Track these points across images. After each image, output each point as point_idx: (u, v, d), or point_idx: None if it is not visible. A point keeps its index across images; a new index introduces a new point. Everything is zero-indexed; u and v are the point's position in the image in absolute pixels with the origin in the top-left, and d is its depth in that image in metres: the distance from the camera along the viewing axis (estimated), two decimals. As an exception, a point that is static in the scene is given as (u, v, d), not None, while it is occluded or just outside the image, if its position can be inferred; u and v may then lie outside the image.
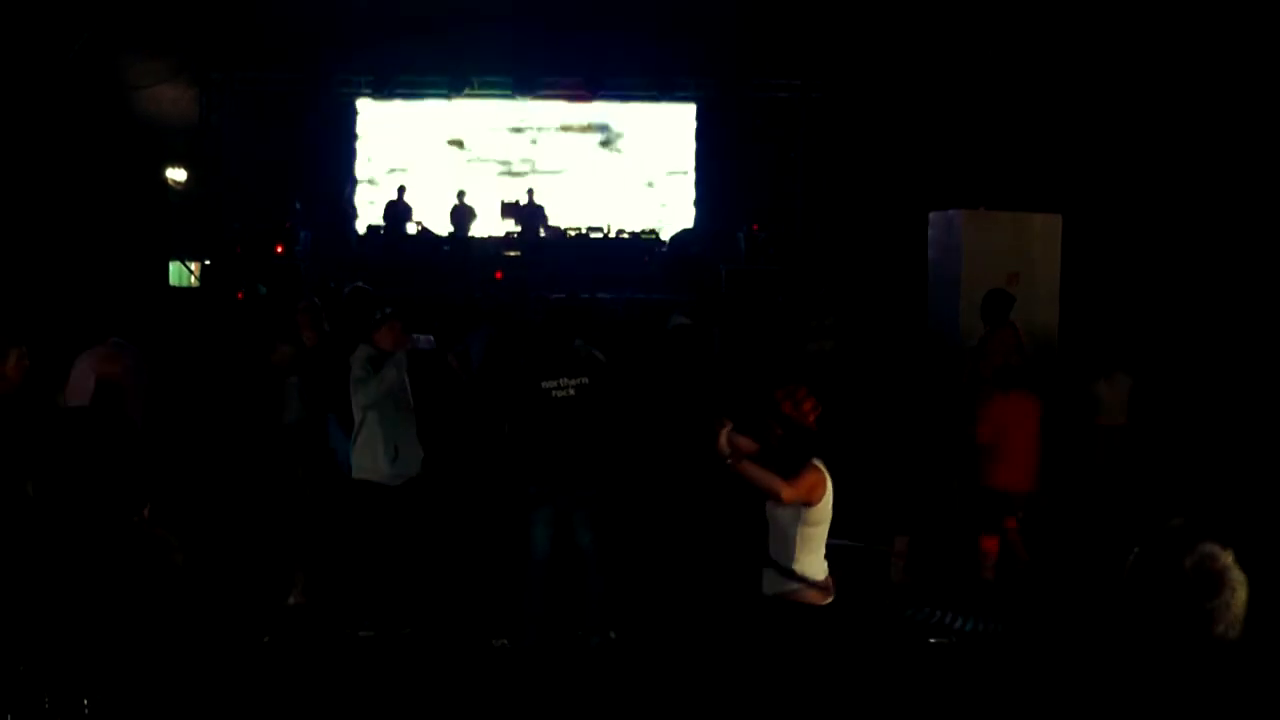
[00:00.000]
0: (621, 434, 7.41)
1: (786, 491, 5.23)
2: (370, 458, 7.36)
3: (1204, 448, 10.21)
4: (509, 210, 19.94)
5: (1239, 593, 2.44)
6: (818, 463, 5.38)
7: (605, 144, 21.33)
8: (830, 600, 5.46)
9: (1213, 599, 2.40)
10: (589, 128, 21.30)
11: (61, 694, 2.06)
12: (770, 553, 5.45)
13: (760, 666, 5.48)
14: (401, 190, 19.79)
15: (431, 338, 7.77)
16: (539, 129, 21.26)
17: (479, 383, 9.19)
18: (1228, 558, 2.47)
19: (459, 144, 21.21)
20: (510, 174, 21.07)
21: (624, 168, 21.31)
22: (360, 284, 10.96)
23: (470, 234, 19.61)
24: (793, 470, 5.28)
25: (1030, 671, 6.08)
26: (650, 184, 21.35)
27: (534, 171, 21.01)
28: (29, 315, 10.94)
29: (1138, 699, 2.42)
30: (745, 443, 5.45)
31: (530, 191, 19.79)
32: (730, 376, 9.06)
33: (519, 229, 19.60)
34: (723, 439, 5.34)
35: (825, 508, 5.38)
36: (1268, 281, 12.02)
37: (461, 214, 19.74)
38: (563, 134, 21.28)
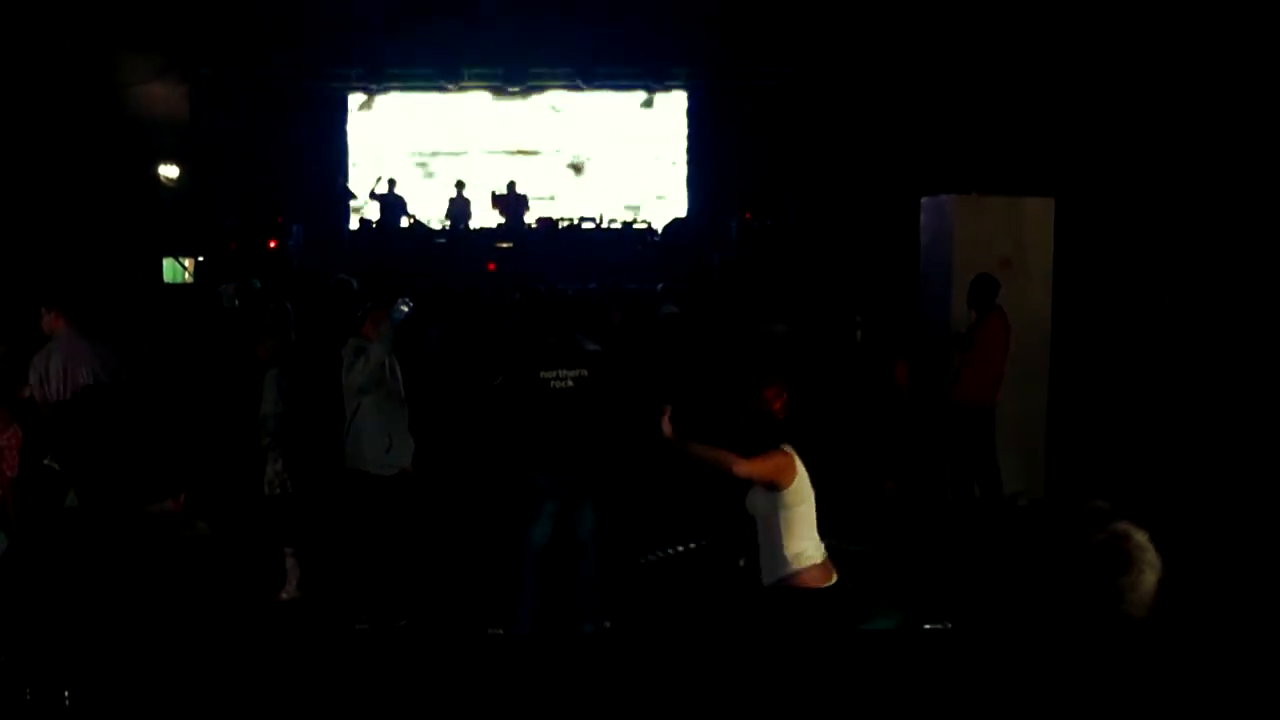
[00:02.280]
0: (621, 424, 7.41)
1: (739, 465, 5.26)
2: (364, 448, 7.38)
3: (1193, 431, 10.21)
4: (498, 201, 19.96)
5: (1148, 574, 2.44)
6: (786, 447, 5.40)
7: (596, 134, 21.33)
8: (833, 582, 5.47)
9: (1122, 576, 2.40)
10: (579, 117, 21.32)
11: (43, 686, 2.06)
12: (760, 545, 5.46)
13: (764, 655, 5.47)
14: (392, 184, 19.78)
15: (410, 302, 7.78)
16: (530, 117, 21.27)
17: (437, 375, 9.24)
18: (1141, 537, 2.47)
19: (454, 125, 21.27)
20: (502, 164, 21.08)
21: (615, 157, 21.31)
22: (343, 276, 10.98)
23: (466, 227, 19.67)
24: (756, 453, 5.30)
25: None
26: (642, 173, 21.36)
27: (526, 162, 21.02)
28: (22, 314, 10.94)
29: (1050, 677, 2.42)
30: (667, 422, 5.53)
31: (512, 184, 19.80)
32: (717, 364, 9.06)
33: (504, 220, 19.63)
34: (665, 423, 5.39)
35: (800, 489, 5.38)
36: (1263, 259, 12.01)
37: (460, 206, 19.77)
38: (553, 124, 21.29)
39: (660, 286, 11.24)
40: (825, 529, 5.62)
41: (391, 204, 19.72)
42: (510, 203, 19.64)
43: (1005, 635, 2.56)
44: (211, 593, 2.46)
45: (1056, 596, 2.45)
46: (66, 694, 2.03)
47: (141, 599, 2.31)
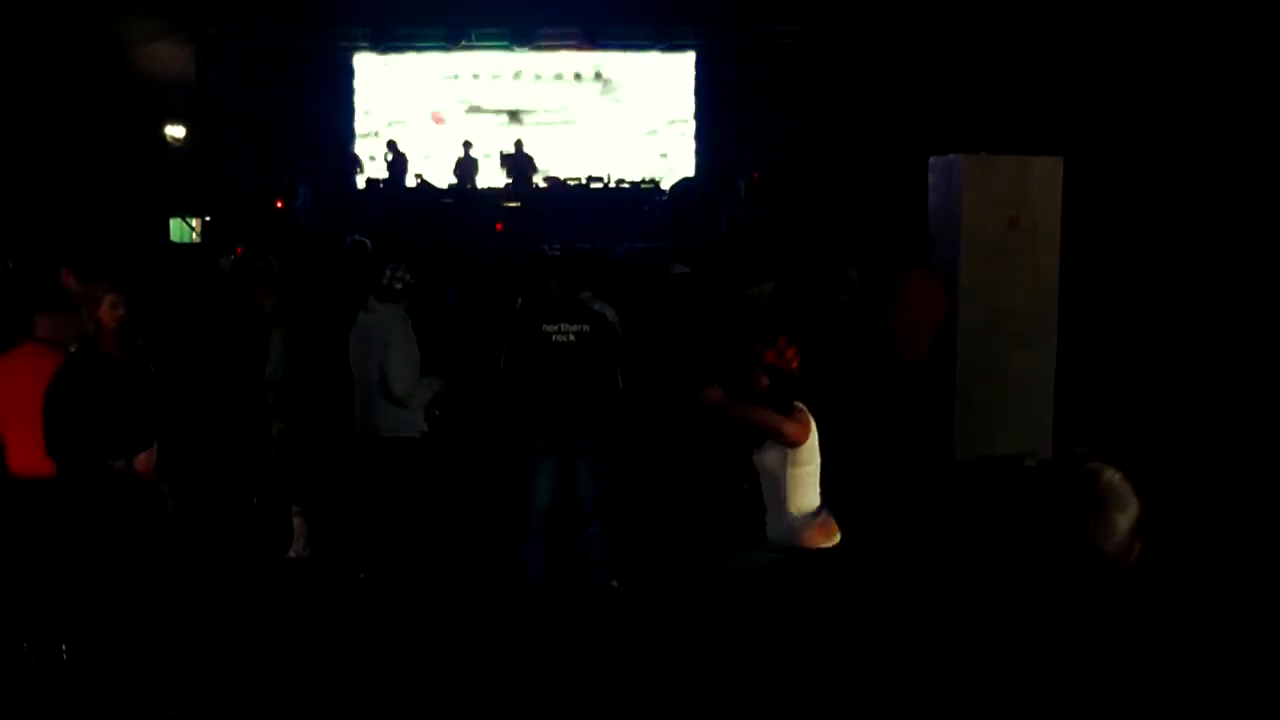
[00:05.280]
0: (622, 382, 7.40)
1: (789, 427, 5.28)
2: (377, 415, 7.38)
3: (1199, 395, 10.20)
4: (506, 161, 19.93)
5: (1124, 512, 2.45)
6: (800, 405, 5.42)
7: (605, 93, 21.26)
8: (836, 541, 5.49)
9: (1092, 515, 2.42)
10: (588, 77, 21.24)
11: (40, 639, 2.07)
12: (765, 501, 5.47)
13: (767, 612, 5.49)
14: (392, 144, 19.76)
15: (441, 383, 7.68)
16: (538, 79, 21.19)
17: (456, 331, 9.22)
18: (1113, 476, 2.49)
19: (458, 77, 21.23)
20: (510, 125, 21.04)
21: (624, 117, 21.25)
22: (358, 237, 10.94)
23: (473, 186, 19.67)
24: (782, 412, 5.33)
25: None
26: (650, 133, 21.30)
27: (534, 122, 20.97)
28: (31, 271, 10.94)
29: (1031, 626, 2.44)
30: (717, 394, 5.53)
31: (519, 142, 19.78)
32: (726, 324, 9.04)
33: (511, 180, 19.60)
34: (713, 392, 5.41)
35: (811, 448, 5.40)
36: (1273, 219, 11.97)
37: (467, 166, 19.75)
38: (562, 84, 21.22)
39: (694, 245, 11.18)
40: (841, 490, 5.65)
41: (395, 164, 19.72)
42: (517, 162, 19.61)
43: (989, 587, 2.58)
44: (171, 549, 2.47)
45: (1031, 541, 2.47)
46: (64, 647, 2.05)
47: (105, 553, 2.32)
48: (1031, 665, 2.41)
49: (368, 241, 10.76)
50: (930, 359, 9.58)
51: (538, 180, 19.68)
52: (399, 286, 7.37)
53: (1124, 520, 2.45)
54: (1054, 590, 2.43)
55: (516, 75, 21.13)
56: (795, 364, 5.47)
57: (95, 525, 2.31)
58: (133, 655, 2.17)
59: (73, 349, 5.69)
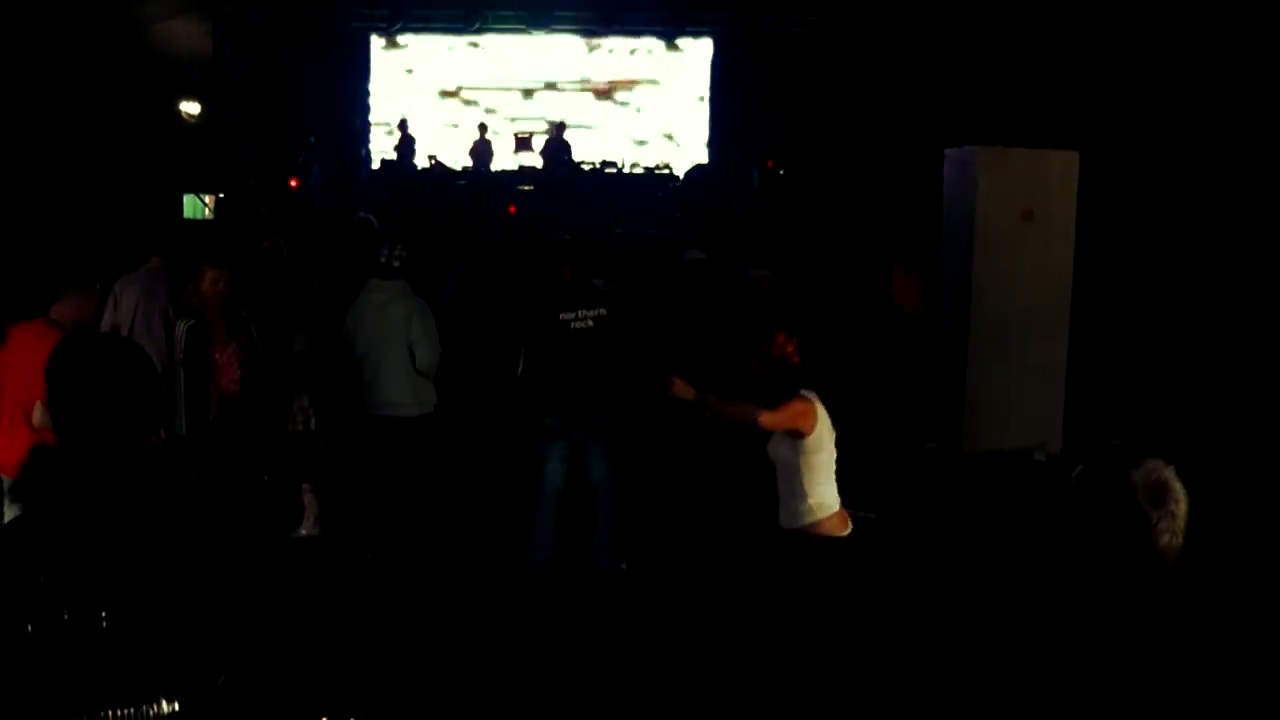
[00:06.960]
0: (639, 366, 7.40)
1: (765, 417, 5.27)
2: (389, 392, 7.43)
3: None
4: (522, 144, 19.92)
5: (1181, 505, 2.51)
6: (806, 393, 5.40)
7: (619, 78, 21.24)
8: (850, 530, 5.49)
9: (1158, 509, 2.47)
10: (603, 62, 21.23)
11: (79, 606, 2.10)
12: (780, 492, 5.47)
13: (781, 598, 5.50)
14: (404, 124, 19.76)
15: None
16: (554, 62, 21.17)
17: (457, 316, 9.26)
18: (1169, 471, 2.54)
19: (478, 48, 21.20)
20: (524, 106, 21.05)
21: (638, 103, 21.23)
22: (364, 214, 10.99)
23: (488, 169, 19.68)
24: (776, 402, 5.31)
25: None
26: (665, 119, 21.28)
27: (547, 108, 20.96)
28: (46, 248, 10.98)
29: (1087, 617, 2.47)
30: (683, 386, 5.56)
31: (561, 125, 19.76)
32: (739, 310, 9.04)
33: (539, 163, 19.60)
34: (682, 387, 5.44)
35: (821, 436, 5.39)
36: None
37: (482, 148, 19.75)
38: (577, 68, 21.20)
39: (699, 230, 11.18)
40: (847, 493, 5.64)
41: (403, 144, 19.74)
42: (557, 147, 19.59)
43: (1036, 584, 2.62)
44: (211, 518, 2.51)
45: (1084, 539, 2.50)
46: (103, 614, 2.07)
47: (155, 525, 2.35)
48: (1089, 666, 2.44)
49: (374, 219, 10.80)
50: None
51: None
52: (397, 264, 7.48)
53: (1183, 513, 2.52)
54: (1109, 591, 2.46)
55: (531, 59, 21.10)
56: (789, 349, 5.45)
57: (128, 497, 2.33)
58: (174, 625, 2.20)
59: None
